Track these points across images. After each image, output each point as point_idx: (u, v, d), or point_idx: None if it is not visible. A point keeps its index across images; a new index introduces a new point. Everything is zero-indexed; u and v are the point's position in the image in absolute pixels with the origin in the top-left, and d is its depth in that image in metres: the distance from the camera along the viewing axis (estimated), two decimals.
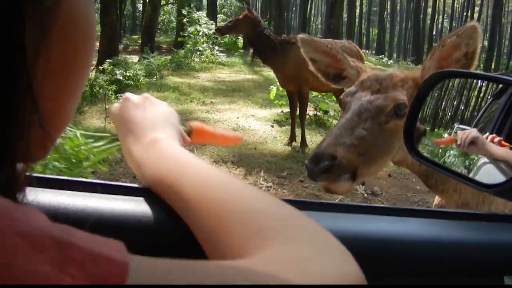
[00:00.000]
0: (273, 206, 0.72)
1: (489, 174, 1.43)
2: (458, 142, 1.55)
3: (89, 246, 0.38)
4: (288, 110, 9.39)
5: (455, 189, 1.85)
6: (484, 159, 1.50)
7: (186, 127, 1.11)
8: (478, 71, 1.77)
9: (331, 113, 10.69)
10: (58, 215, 0.81)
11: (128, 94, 1.04)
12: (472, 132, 1.53)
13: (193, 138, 1.11)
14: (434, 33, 61.53)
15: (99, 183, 0.92)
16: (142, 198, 0.88)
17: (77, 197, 0.86)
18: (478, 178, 1.43)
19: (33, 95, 0.45)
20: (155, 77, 15.12)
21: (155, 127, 0.94)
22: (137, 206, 0.86)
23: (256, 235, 0.65)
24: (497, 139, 1.47)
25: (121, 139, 0.98)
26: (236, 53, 23.83)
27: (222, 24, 11.16)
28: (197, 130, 1.13)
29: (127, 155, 0.94)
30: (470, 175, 1.49)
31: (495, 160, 1.46)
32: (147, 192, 0.88)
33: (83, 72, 0.56)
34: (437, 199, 2.16)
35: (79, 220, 0.81)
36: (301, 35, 2.22)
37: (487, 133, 1.51)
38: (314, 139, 9.13)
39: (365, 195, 6.68)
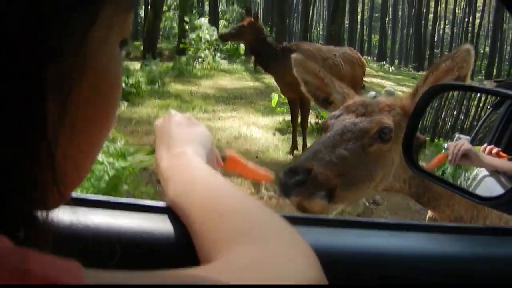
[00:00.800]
0: (256, 212, 0.78)
1: (489, 186, 1.43)
2: (449, 157, 1.53)
3: (44, 272, 0.39)
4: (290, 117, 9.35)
5: (448, 204, 1.82)
6: (484, 172, 1.50)
7: (223, 153, 1.20)
8: (475, 84, 1.78)
9: None
10: (81, 232, 0.84)
11: (172, 111, 1.13)
12: (464, 144, 1.51)
13: (226, 165, 1.20)
14: (435, 39, 61.61)
15: (122, 202, 0.95)
16: (166, 216, 0.91)
17: (100, 215, 0.90)
18: (479, 191, 1.43)
19: (53, 161, 0.46)
20: (157, 84, 15.08)
21: (187, 144, 1.01)
22: (160, 224, 0.89)
23: (229, 238, 0.71)
24: (495, 150, 1.46)
25: (156, 150, 1.06)
26: (237, 60, 23.75)
27: (226, 30, 11.07)
28: (231, 159, 1.23)
29: (156, 163, 1.02)
30: (470, 188, 1.49)
31: (495, 172, 1.46)
32: (171, 209, 0.90)
33: (104, 132, 0.58)
34: (430, 212, 2.13)
35: (101, 237, 0.84)
36: (294, 55, 2.18)
37: (485, 144, 1.50)
38: None
39: (367, 204, 6.66)
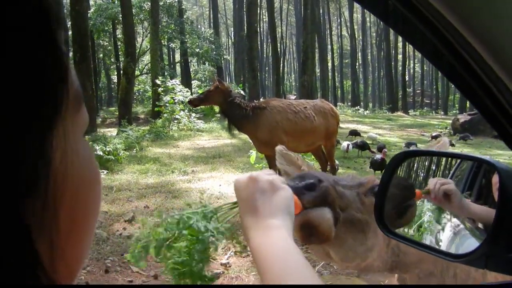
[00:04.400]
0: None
1: (463, 242, 1.42)
2: (432, 195, 1.50)
3: None
4: None
5: (416, 266, 1.81)
6: (463, 230, 1.49)
7: None
8: (437, 149, 1.82)
9: None
10: None
11: (255, 175, 1.18)
12: (448, 183, 1.49)
13: None
14: (407, 78, 62.49)
15: None
16: None
17: None
18: (454, 246, 1.43)
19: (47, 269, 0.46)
20: (135, 149, 15.10)
21: (274, 214, 1.08)
22: None
23: None
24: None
25: (242, 216, 1.13)
26: (213, 119, 23.88)
27: (194, 96, 11.27)
28: None
29: (245, 234, 1.08)
30: (452, 246, 1.48)
31: (471, 226, 1.46)
32: None
33: (92, 226, 0.58)
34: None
35: None
36: (278, 147, 2.10)
37: None
38: None
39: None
